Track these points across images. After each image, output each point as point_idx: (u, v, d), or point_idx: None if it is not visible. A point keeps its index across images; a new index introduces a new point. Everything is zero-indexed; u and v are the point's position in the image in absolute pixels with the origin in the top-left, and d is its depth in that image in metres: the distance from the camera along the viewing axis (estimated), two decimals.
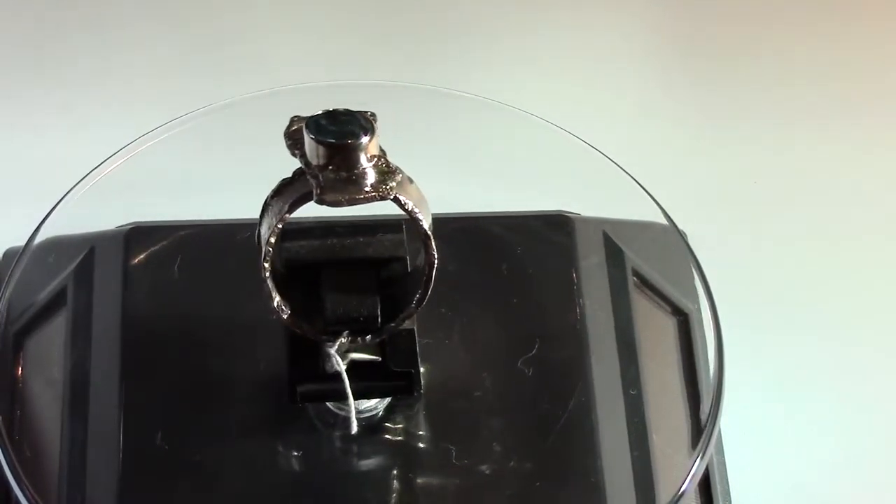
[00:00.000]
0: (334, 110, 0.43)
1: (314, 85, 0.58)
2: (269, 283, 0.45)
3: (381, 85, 0.59)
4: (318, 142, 0.42)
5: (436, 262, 0.45)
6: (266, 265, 0.44)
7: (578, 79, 0.73)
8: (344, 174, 0.42)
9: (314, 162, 0.43)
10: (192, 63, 0.73)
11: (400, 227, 0.47)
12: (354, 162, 0.42)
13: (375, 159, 0.43)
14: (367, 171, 0.43)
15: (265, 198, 0.45)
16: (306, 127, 0.43)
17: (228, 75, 0.71)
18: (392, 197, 0.43)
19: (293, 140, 0.44)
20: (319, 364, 0.47)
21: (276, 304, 0.45)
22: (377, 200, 0.43)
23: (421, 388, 0.48)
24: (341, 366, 0.46)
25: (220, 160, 0.58)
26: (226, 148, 0.57)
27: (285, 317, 0.46)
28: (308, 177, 0.43)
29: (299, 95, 0.57)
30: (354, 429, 0.48)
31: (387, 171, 0.43)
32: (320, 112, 0.43)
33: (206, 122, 0.56)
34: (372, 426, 0.49)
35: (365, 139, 0.42)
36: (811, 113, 0.72)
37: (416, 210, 0.44)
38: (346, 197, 0.42)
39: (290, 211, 0.43)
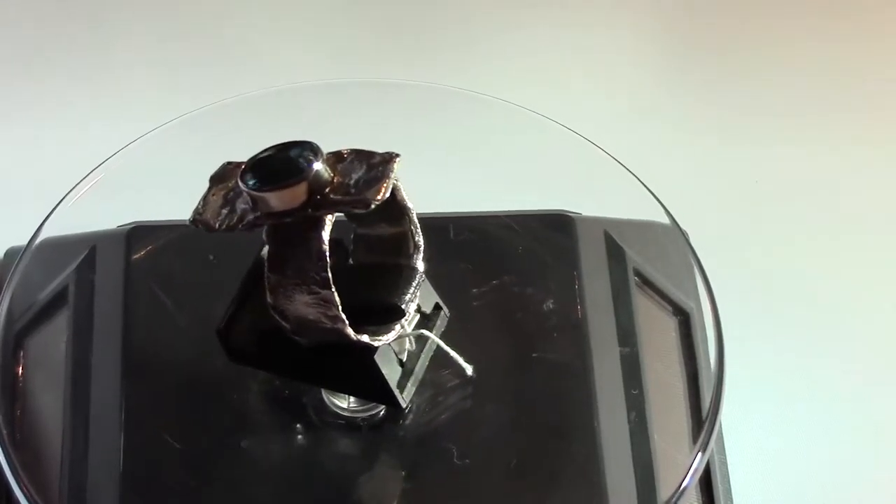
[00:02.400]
0: (255, 161, 0.42)
1: (315, 83, 0.58)
2: (349, 330, 0.43)
3: (381, 83, 0.59)
4: (291, 185, 0.41)
5: (409, 203, 0.44)
6: (340, 312, 0.42)
7: (581, 76, 0.73)
8: (327, 189, 0.41)
9: (292, 206, 0.41)
10: (193, 62, 0.72)
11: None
12: (326, 179, 0.41)
13: (327, 161, 0.42)
14: (336, 174, 0.42)
15: (266, 276, 0.43)
16: (258, 184, 0.41)
17: (230, 74, 0.71)
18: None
19: (231, 212, 0.42)
20: (396, 359, 0.46)
21: (359, 340, 0.43)
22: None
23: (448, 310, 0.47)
24: (432, 336, 0.46)
25: (222, 159, 0.55)
26: (228, 147, 0.54)
27: (375, 343, 0.44)
28: (316, 214, 0.41)
29: (300, 94, 0.57)
30: (470, 370, 0.47)
31: (352, 158, 0.42)
32: (244, 170, 0.42)
33: (208, 121, 0.55)
34: (373, 426, 0.49)
35: (318, 160, 0.41)
36: (814, 112, 0.72)
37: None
38: (373, 197, 0.41)
39: (326, 254, 0.42)
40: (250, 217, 0.42)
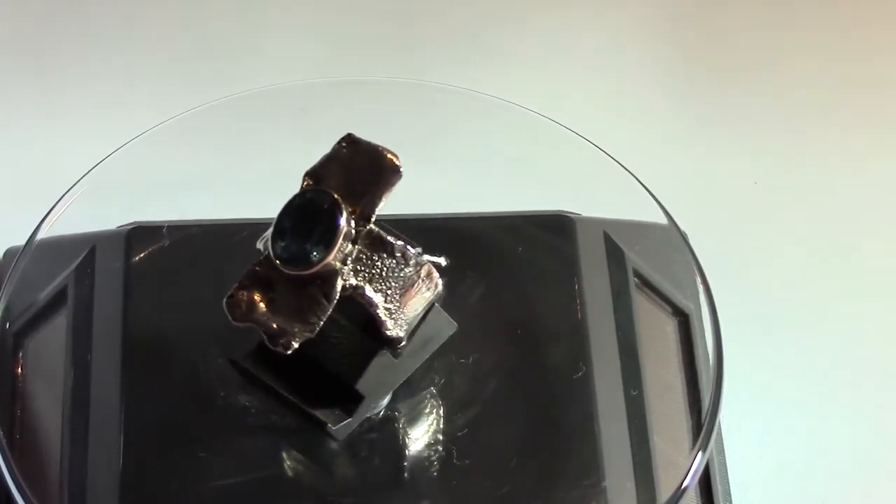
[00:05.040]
0: (281, 250, 0.42)
1: (314, 82, 0.58)
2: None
3: (379, 82, 0.59)
4: (338, 238, 0.41)
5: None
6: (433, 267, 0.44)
7: (580, 78, 0.73)
8: (351, 208, 0.42)
9: (348, 251, 0.42)
10: (192, 60, 0.72)
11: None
12: (346, 207, 0.42)
13: (351, 211, 0.42)
14: (340, 195, 0.42)
15: (382, 323, 0.43)
16: (308, 260, 0.41)
17: (229, 73, 0.71)
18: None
19: (303, 306, 0.41)
20: None
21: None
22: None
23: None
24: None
25: (223, 158, 0.58)
26: (229, 146, 0.57)
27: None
28: (369, 227, 0.42)
29: (299, 92, 0.57)
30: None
31: (323, 178, 0.42)
32: (282, 263, 0.41)
33: (209, 120, 0.55)
34: (372, 427, 0.49)
35: (342, 215, 0.42)
36: (812, 114, 0.71)
37: None
38: (394, 159, 0.42)
39: (402, 244, 0.43)
40: (329, 289, 0.42)
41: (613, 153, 0.53)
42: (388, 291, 0.42)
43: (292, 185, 0.44)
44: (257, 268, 0.42)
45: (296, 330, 0.42)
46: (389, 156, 0.42)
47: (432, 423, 0.49)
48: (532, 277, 0.53)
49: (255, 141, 0.58)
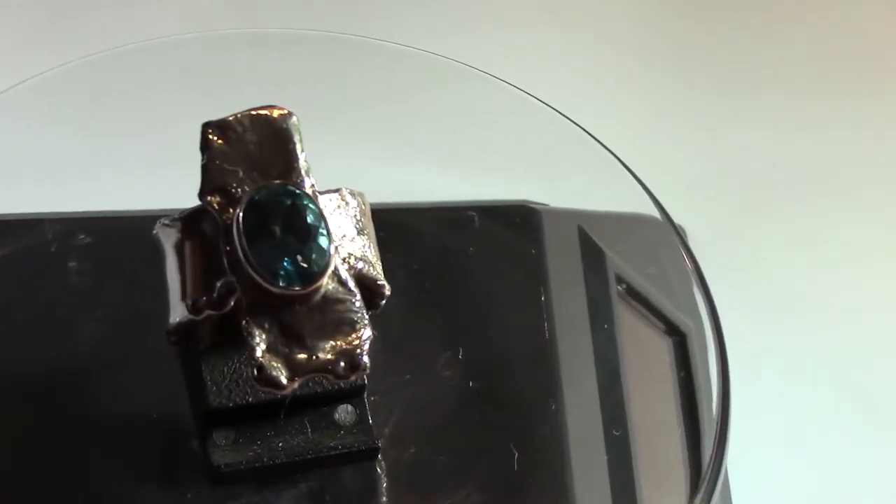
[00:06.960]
0: (269, 271, 0.39)
1: (208, 34, 0.54)
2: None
3: (293, 36, 0.55)
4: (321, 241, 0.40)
5: None
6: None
7: (554, 39, 0.70)
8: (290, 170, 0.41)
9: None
10: (45, 13, 0.68)
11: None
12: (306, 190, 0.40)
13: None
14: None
15: None
16: (306, 273, 0.39)
17: (97, 24, 0.67)
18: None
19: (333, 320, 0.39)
20: None
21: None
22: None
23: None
24: None
25: (91, 133, 0.54)
26: (97, 116, 0.54)
27: None
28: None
29: (189, 47, 0.53)
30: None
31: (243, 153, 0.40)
32: (277, 290, 0.39)
33: (71, 84, 0.52)
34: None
35: (311, 204, 0.40)
36: (842, 81, 0.69)
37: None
38: (282, 112, 0.41)
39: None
40: (343, 278, 0.40)
41: (591, 128, 0.51)
42: (364, 243, 0.42)
43: (183, 164, 0.41)
44: (254, 326, 0.39)
45: (354, 341, 0.40)
46: (266, 112, 0.40)
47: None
48: (486, 285, 0.50)
49: (132, 110, 0.55)
